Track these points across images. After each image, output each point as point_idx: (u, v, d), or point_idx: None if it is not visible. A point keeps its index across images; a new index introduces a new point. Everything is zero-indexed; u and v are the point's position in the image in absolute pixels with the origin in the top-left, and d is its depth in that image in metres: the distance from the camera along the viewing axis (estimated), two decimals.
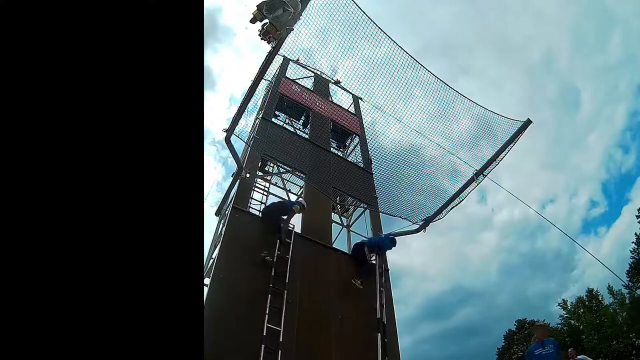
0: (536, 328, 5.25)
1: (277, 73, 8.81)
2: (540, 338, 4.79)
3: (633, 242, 21.71)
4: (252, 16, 3.78)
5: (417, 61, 5.28)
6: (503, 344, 27.83)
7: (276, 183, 7.29)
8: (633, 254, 21.50)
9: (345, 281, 5.51)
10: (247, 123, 6.84)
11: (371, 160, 7.73)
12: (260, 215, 5.76)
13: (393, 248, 6.06)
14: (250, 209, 5.97)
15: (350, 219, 7.72)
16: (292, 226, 5.52)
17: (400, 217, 6.27)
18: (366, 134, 8.73)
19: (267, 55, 4.60)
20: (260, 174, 6.97)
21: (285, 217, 5.45)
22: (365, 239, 6.24)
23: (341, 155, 8.78)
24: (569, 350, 7.81)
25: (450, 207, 5.97)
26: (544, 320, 16.42)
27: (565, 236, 4.80)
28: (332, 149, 8.50)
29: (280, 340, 4.31)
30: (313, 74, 9.72)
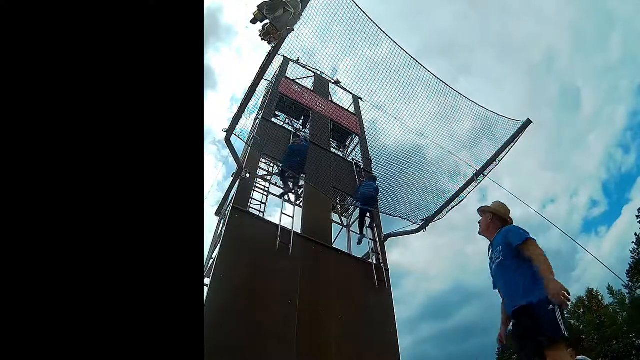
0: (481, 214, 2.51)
1: (277, 73, 8.81)
2: (489, 236, 2.39)
3: (633, 242, 21.71)
4: (252, 16, 3.77)
5: (417, 61, 5.28)
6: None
7: (276, 183, 7.29)
8: (633, 254, 21.49)
9: (345, 281, 5.51)
10: (247, 123, 6.84)
11: (371, 160, 7.73)
12: (286, 158, 6.44)
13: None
14: (250, 209, 5.97)
15: (350, 219, 7.71)
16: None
17: (400, 217, 6.28)
18: (366, 134, 8.73)
19: (267, 55, 4.61)
20: (262, 173, 6.97)
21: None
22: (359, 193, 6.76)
23: (341, 155, 8.78)
24: (569, 350, 7.79)
25: (450, 207, 5.97)
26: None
27: (566, 236, 4.80)
28: (332, 148, 8.50)
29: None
30: (313, 74, 9.72)
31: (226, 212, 5.84)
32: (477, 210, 2.55)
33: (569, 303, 1.81)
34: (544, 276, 1.89)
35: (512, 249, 2.12)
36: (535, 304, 1.92)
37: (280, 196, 6.55)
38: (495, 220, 2.40)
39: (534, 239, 2.09)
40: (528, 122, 5.45)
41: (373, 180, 6.94)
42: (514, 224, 2.33)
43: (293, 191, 6.67)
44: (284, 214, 5.72)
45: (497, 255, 2.23)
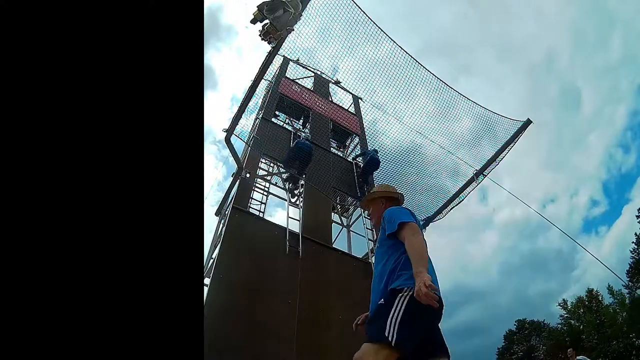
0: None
1: (277, 73, 8.80)
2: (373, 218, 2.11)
3: (633, 242, 21.73)
4: (252, 16, 3.77)
5: (417, 62, 5.28)
6: (503, 344, 27.83)
7: (276, 183, 7.30)
8: (633, 254, 21.51)
9: (345, 281, 5.51)
10: (247, 123, 6.84)
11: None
12: (289, 154, 6.50)
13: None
14: (250, 209, 5.97)
15: (350, 219, 7.71)
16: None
17: None
18: (366, 133, 8.73)
19: (267, 56, 4.61)
20: (262, 173, 6.97)
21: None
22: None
23: (341, 155, 8.78)
24: (569, 350, 7.81)
25: (450, 206, 5.98)
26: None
27: (566, 236, 4.80)
28: (332, 149, 8.50)
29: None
30: (313, 74, 9.71)
31: (226, 212, 5.84)
32: (361, 205, 2.07)
33: (437, 304, 1.44)
34: (414, 269, 1.52)
35: (386, 235, 1.78)
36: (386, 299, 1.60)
37: (287, 182, 6.84)
38: (388, 203, 2.04)
39: (411, 223, 1.71)
40: (528, 122, 5.46)
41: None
42: (393, 207, 1.96)
43: (295, 189, 6.78)
44: (289, 217, 5.74)
45: (380, 237, 1.85)
